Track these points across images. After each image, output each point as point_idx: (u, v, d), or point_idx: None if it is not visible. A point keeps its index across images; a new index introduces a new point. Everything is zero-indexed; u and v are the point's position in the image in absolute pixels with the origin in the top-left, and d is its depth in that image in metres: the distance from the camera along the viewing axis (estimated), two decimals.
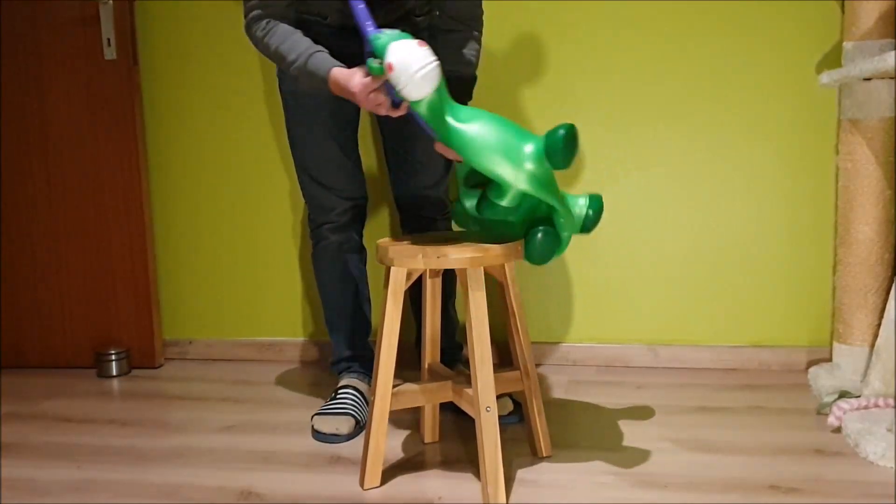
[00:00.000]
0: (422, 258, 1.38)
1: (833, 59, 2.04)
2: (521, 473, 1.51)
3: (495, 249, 1.38)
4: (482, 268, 1.39)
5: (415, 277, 1.48)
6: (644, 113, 2.14)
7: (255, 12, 1.56)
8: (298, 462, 1.62)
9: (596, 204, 1.47)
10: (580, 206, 1.47)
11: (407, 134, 1.77)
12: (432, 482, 1.49)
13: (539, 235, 1.41)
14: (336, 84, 1.47)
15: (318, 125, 1.74)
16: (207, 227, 2.42)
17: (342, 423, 1.72)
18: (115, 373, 2.32)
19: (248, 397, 2.07)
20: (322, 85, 1.50)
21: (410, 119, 1.43)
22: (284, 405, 1.99)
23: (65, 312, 2.40)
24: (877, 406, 1.67)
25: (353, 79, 1.42)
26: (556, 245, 1.43)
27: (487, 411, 1.37)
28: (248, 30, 1.58)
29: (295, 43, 1.52)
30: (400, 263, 1.40)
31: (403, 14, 1.69)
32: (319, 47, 1.52)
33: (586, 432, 1.72)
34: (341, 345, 1.90)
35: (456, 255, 1.36)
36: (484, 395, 1.37)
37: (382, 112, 1.43)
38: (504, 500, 1.37)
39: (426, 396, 1.52)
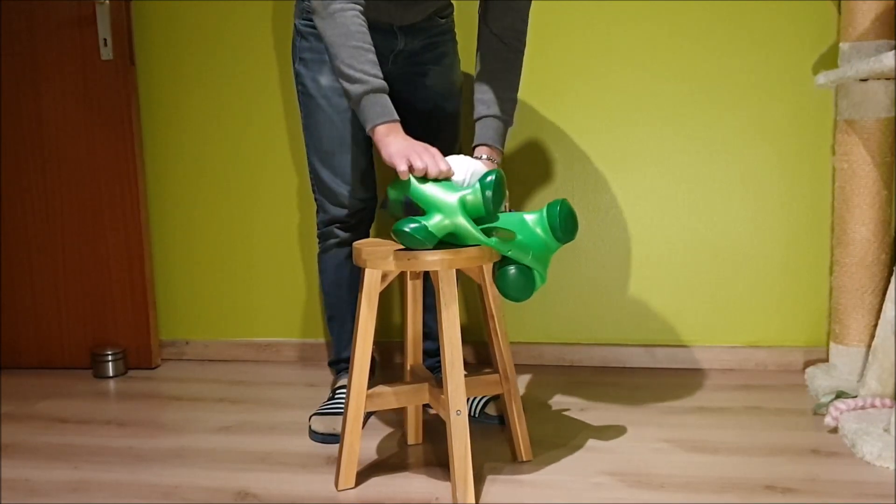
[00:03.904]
0: (392, 260, 1.37)
1: (830, 59, 2.04)
2: (512, 475, 1.52)
3: (469, 251, 1.37)
4: (454, 270, 1.38)
5: (390, 279, 1.47)
6: (641, 113, 2.14)
7: None
8: (295, 462, 1.61)
9: (553, 214, 1.42)
10: (531, 224, 1.43)
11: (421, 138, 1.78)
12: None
13: (512, 271, 1.40)
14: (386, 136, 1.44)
15: (343, 122, 1.71)
16: (204, 227, 2.42)
17: (339, 423, 1.72)
18: (111, 373, 2.32)
19: (245, 398, 2.06)
20: (365, 120, 1.46)
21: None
22: (281, 406, 1.99)
23: (61, 313, 2.40)
24: (873, 406, 1.67)
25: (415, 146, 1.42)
26: (527, 278, 1.42)
27: (458, 414, 1.36)
28: None
29: (369, 57, 1.45)
30: (373, 265, 1.39)
31: (429, 16, 1.69)
32: (384, 84, 1.46)
33: (583, 433, 1.72)
34: (342, 344, 1.90)
35: (427, 257, 1.35)
36: (454, 398, 1.36)
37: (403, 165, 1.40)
38: (473, 501, 1.36)
39: (400, 398, 1.51)
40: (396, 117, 1.46)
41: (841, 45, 1.91)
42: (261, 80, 2.32)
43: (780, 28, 2.05)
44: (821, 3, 2.03)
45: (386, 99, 1.46)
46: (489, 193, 1.35)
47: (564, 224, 1.42)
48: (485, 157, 1.58)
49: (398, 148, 1.41)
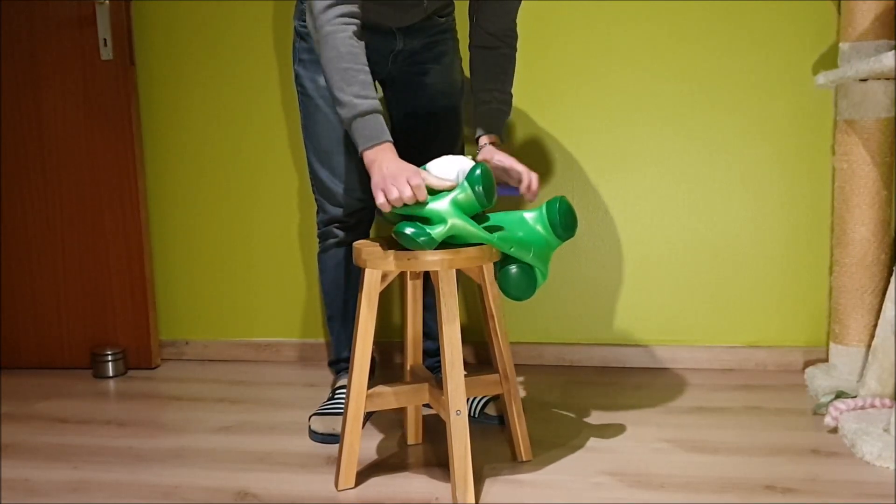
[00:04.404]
0: (392, 260, 1.37)
1: (829, 59, 2.04)
2: (512, 475, 1.52)
3: (469, 251, 1.37)
4: (454, 270, 1.37)
5: (390, 279, 1.47)
6: (641, 113, 2.14)
7: None
8: (295, 462, 1.61)
9: (553, 210, 1.43)
10: (531, 222, 1.44)
11: (416, 142, 1.78)
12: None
13: (514, 270, 1.42)
14: (379, 158, 1.40)
15: (341, 123, 1.71)
16: (204, 227, 2.42)
17: (339, 423, 1.72)
18: (111, 373, 2.32)
19: (244, 398, 2.07)
20: (355, 139, 1.43)
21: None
22: (281, 406, 1.99)
23: (61, 313, 2.40)
24: (873, 406, 1.67)
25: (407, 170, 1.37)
26: (529, 277, 1.43)
27: (458, 414, 1.36)
28: (322, 12, 1.43)
29: (359, 78, 1.42)
30: (373, 265, 1.39)
31: (428, 16, 1.69)
32: (373, 104, 1.42)
33: (583, 433, 1.72)
34: (342, 345, 1.90)
35: (427, 257, 1.35)
36: (454, 398, 1.36)
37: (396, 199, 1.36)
38: (473, 501, 1.37)
39: (400, 398, 1.51)
40: (384, 139, 1.42)
41: (841, 45, 1.91)
42: (261, 80, 2.32)
43: (780, 28, 2.05)
44: (821, 3, 2.03)
45: (375, 120, 1.42)
46: (479, 188, 1.35)
47: (564, 220, 1.42)
48: (488, 143, 1.61)
49: (377, 180, 1.37)
